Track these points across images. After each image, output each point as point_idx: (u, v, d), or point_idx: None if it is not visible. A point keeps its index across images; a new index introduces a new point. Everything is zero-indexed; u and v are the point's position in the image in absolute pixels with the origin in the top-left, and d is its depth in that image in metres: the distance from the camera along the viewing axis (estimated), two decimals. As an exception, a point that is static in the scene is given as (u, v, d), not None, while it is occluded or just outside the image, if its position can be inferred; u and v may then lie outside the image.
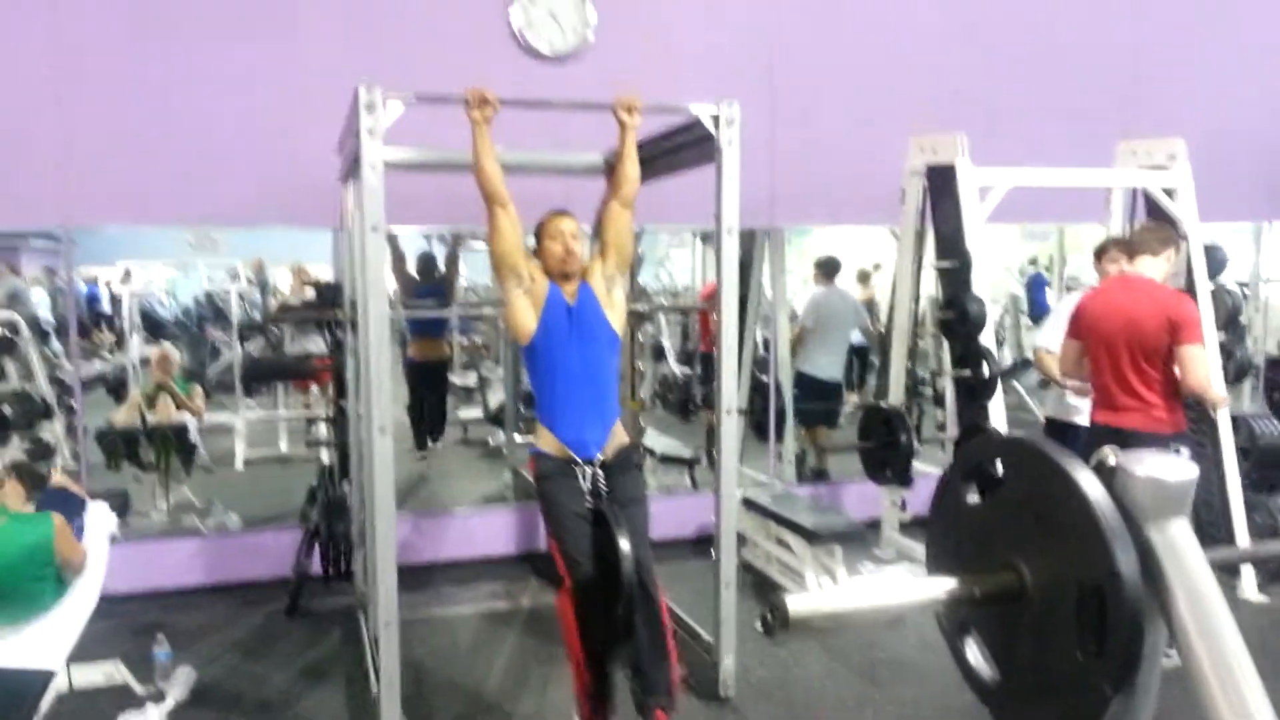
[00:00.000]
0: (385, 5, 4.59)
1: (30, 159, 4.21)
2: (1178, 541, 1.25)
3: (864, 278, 7.29)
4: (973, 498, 1.46)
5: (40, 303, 6.54)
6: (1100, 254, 4.09)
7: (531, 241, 3.24)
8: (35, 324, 5.87)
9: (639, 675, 3.02)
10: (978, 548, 1.44)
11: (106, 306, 7.16)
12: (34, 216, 4.37)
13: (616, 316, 3.19)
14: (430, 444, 6.57)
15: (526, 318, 3.10)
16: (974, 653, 1.45)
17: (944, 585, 1.40)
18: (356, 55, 4.49)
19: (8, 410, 4.74)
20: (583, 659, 2.97)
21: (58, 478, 3.66)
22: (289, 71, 4.47)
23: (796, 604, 1.28)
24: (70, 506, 3.44)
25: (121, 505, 3.83)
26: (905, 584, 1.51)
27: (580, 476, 3.05)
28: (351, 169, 3.37)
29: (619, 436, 3.17)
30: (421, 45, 4.60)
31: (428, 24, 4.64)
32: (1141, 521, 1.26)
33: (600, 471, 3.07)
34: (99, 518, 3.52)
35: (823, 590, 1.18)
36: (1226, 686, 1.16)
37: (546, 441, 3.11)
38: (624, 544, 2.75)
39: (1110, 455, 1.35)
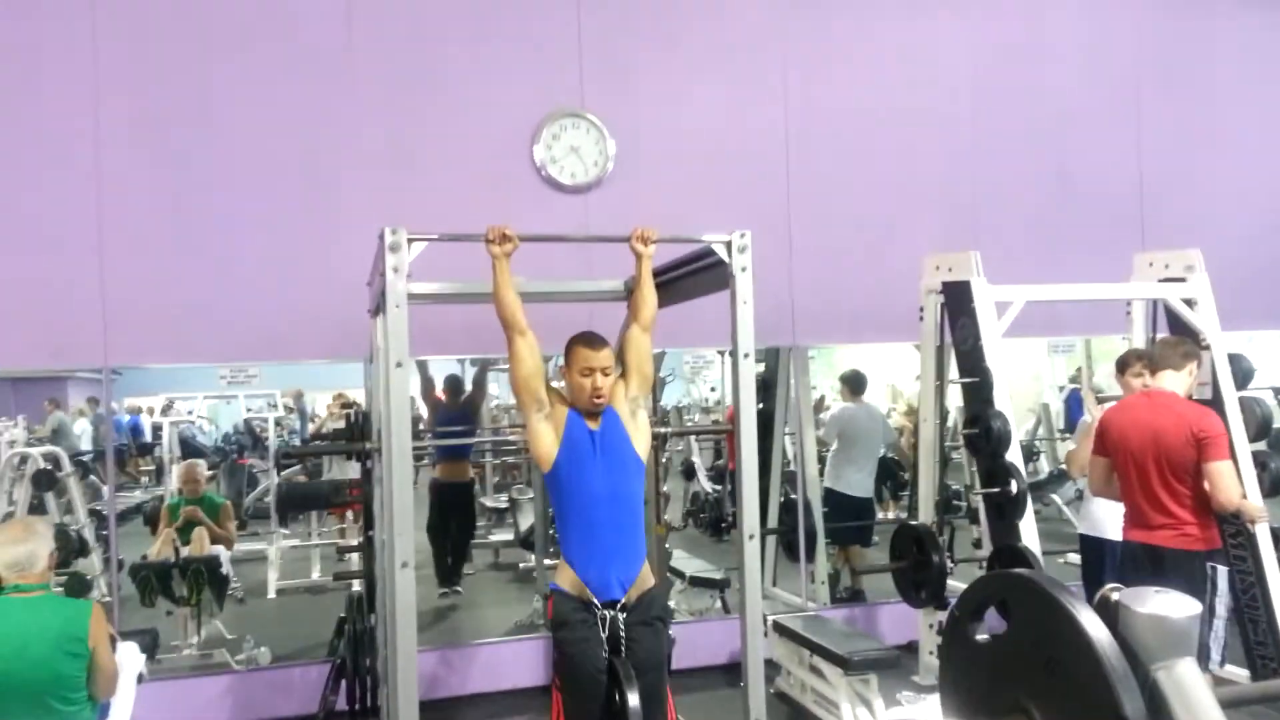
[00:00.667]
0: (415, 145, 4.81)
1: (73, 302, 4.40)
2: (1185, 683, 1.23)
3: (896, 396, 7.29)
4: (981, 636, 1.45)
5: (83, 434, 6.70)
6: (1123, 367, 4.08)
7: (558, 361, 3.27)
8: (77, 457, 6.01)
9: None
10: (989, 688, 1.41)
11: (149, 436, 7.32)
12: (76, 357, 4.52)
13: (642, 441, 3.16)
14: (453, 580, 6.30)
15: (548, 442, 3.06)
16: (992, 798, 1.42)
17: (955, 728, 1.38)
18: (388, 192, 4.69)
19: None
20: None
21: (97, 605, 3.68)
22: (323, 210, 4.67)
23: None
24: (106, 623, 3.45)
25: (151, 644, 3.83)
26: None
27: (600, 624, 2.94)
28: (379, 305, 3.48)
29: (645, 578, 3.07)
30: (450, 179, 4.80)
31: (456, 160, 4.85)
32: (1148, 662, 1.24)
33: (621, 618, 2.96)
34: (127, 658, 3.52)
35: None
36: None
37: (567, 579, 3.02)
38: (633, 701, 2.75)
39: (1113, 592, 1.34)
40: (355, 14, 4.74)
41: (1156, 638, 1.26)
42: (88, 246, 4.41)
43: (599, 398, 3.10)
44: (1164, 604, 1.30)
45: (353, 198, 4.67)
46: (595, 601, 2.96)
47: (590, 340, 3.16)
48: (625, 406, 3.18)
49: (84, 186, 4.43)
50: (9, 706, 3.09)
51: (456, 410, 6.45)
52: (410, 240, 3.01)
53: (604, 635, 2.94)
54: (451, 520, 6.41)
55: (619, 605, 2.98)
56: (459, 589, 6.30)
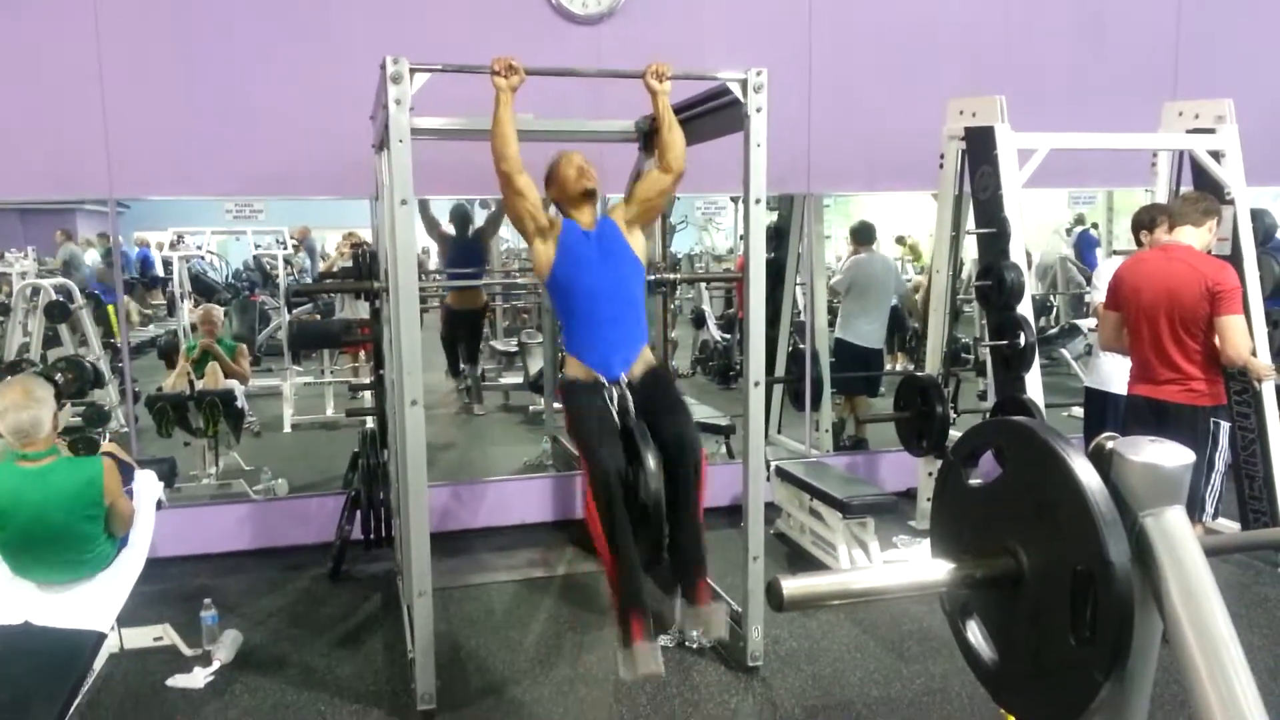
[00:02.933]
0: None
1: (77, 132, 4.31)
2: (1172, 530, 1.23)
3: (902, 241, 7.20)
4: (974, 481, 1.46)
5: (94, 266, 6.70)
6: (1151, 225, 3.99)
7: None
8: (89, 290, 6.03)
9: (675, 554, 3.01)
10: (979, 531, 1.43)
11: (160, 270, 7.32)
12: (81, 187, 4.47)
13: (638, 249, 3.20)
14: (464, 370, 6.88)
15: (546, 256, 3.12)
16: (975, 635, 1.46)
17: (942, 569, 1.40)
18: (393, 25, 4.52)
19: (59, 378, 4.87)
20: (610, 553, 2.92)
21: (107, 445, 3.78)
22: (328, 41, 4.50)
23: (792, 586, 1.29)
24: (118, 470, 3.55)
25: (168, 472, 3.95)
26: (904, 568, 1.51)
27: (608, 397, 3.03)
28: (382, 139, 3.40)
29: (646, 358, 3.15)
30: (458, 7, 4.60)
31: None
32: (1137, 509, 1.25)
33: (627, 392, 3.05)
34: (146, 485, 3.63)
35: (821, 573, 1.19)
36: (1216, 677, 1.15)
37: (574, 369, 3.12)
38: (650, 461, 2.84)
39: (1108, 441, 1.34)
40: None
41: (1147, 486, 1.27)
42: (88, 75, 4.29)
43: (588, 180, 3.13)
44: (1157, 453, 1.30)
45: (358, 27, 4.50)
46: (603, 379, 3.06)
47: (562, 151, 3.23)
48: (622, 222, 3.20)
49: (87, 17, 4.27)
50: (32, 562, 3.21)
51: (466, 243, 6.45)
52: (413, 71, 2.92)
53: (614, 405, 3.02)
54: (462, 339, 6.86)
55: (623, 381, 3.08)
56: (467, 379, 6.86)
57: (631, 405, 3.04)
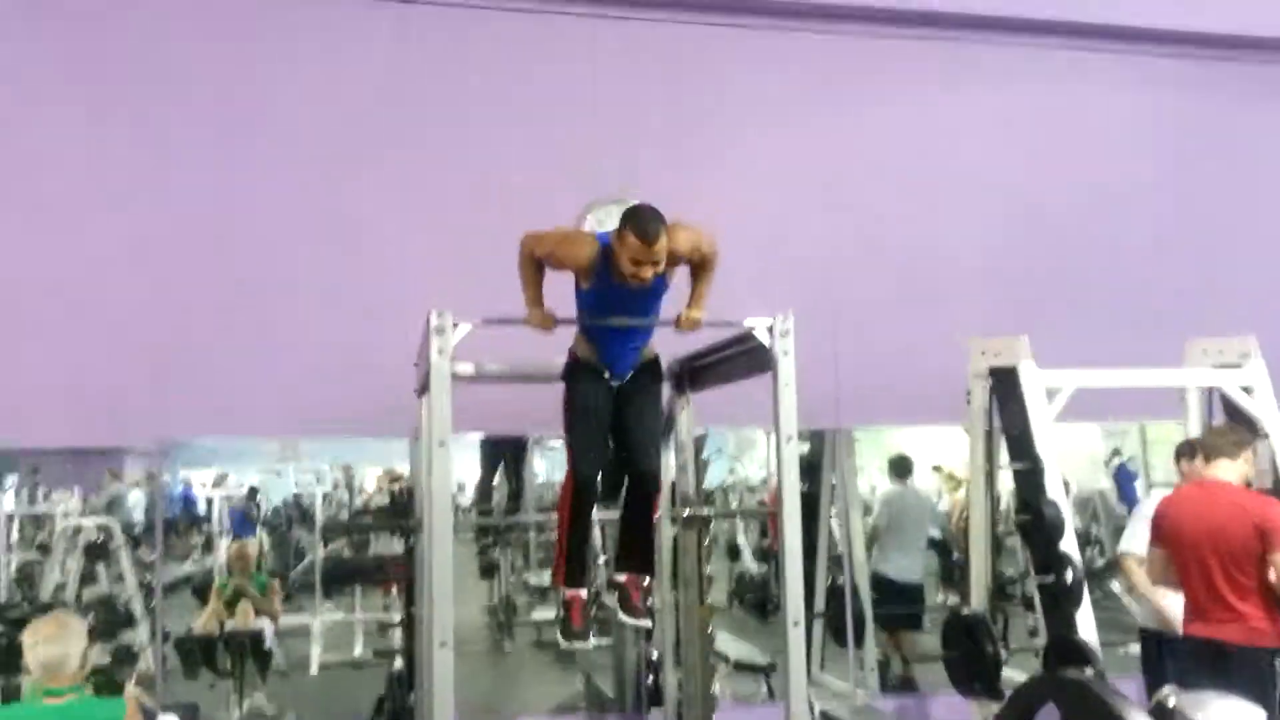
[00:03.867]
0: (465, 221, 4.89)
1: (128, 378, 4.51)
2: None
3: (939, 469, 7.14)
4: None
5: (137, 505, 6.81)
6: (1190, 454, 4.00)
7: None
8: (130, 529, 6.10)
9: (622, 548, 3.49)
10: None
11: (201, 508, 7.41)
12: (131, 432, 4.64)
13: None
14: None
15: (584, 281, 3.25)
16: None
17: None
18: (436, 270, 4.77)
19: (91, 616, 4.86)
20: (566, 532, 3.34)
21: (130, 690, 3.71)
22: (373, 288, 4.76)
23: None
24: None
25: (191, 717, 3.83)
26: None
27: (605, 382, 3.33)
28: (424, 385, 3.53)
29: (647, 354, 3.45)
30: (499, 262, 4.86)
31: (504, 242, 4.91)
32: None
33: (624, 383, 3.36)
34: (168, 730, 3.52)
35: None
36: None
37: (584, 349, 3.38)
38: (638, 434, 3.29)
39: (1170, 696, 1.29)
40: (409, 101, 4.89)
41: (1211, 751, 1.20)
42: (140, 320, 4.54)
43: (642, 284, 3.11)
44: (1225, 711, 1.25)
45: (405, 277, 4.75)
46: (606, 370, 3.34)
47: (645, 230, 2.97)
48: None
49: (134, 265, 4.57)
50: None
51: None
52: (455, 324, 3.08)
53: (609, 391, 3.33)
54: None
55: (624, 377, 3.38)
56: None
57: (623, 396, 3.36)
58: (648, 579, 3.53)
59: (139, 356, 4.53)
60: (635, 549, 3.48)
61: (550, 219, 4.97)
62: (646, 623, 3.58)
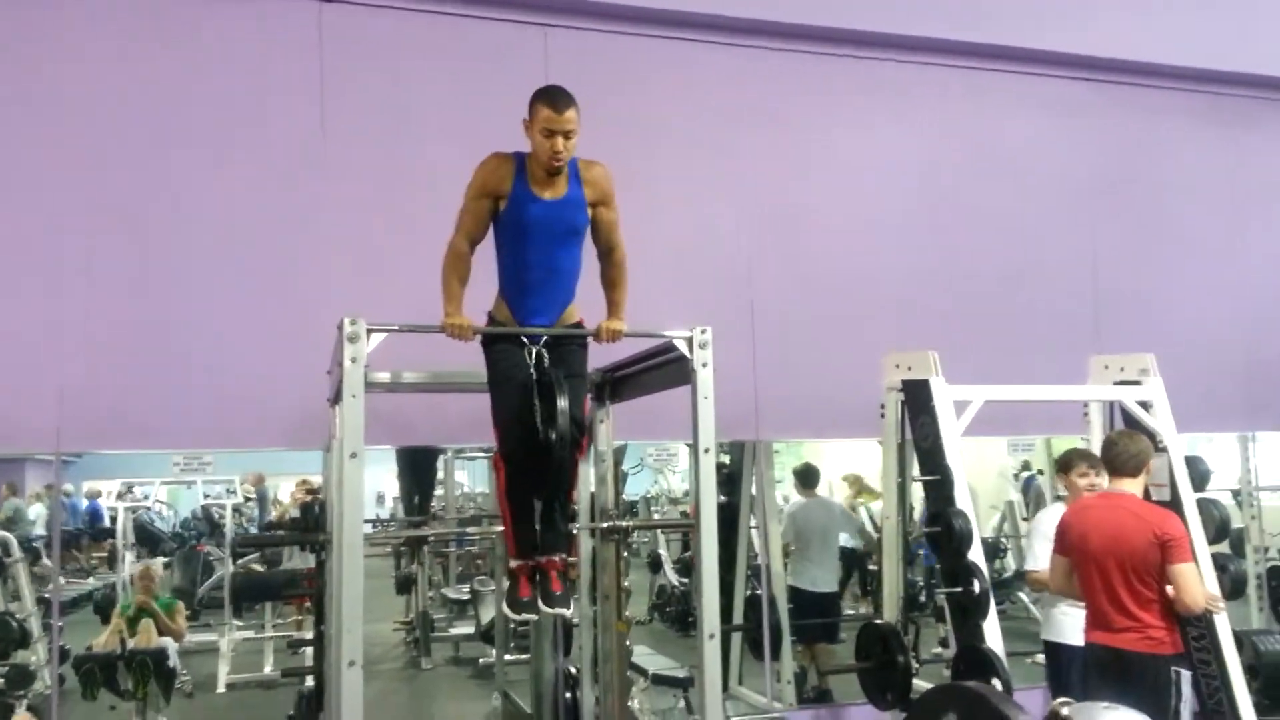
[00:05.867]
0: (382, 231, 4.80)
1: (25, 387, 4.32)
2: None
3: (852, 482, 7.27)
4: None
5: (38, 519, 6.54)
6: (1066, 467, 4.15)
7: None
8: (28, 543, 5.86)
9: (543, 531, 3.38)
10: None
11: (108, 522, 7.15)
12: (28, 442, 4.44)
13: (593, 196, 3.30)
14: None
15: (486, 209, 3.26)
16: None
17: None
18: (353, 278, 4.67)
19: (-18, 639, 4.65)
20: (510, 511, 3.34)
21: (21, 715, 3.55)
22: (285, 295, 4.62)
23: None
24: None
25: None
26: None
27: (526, 352, 3.24)
28: (337, 394, 3.46)
29: (568, 317, 3.36)
30: (416, 266, 4.78)
31: (425, 249, 4.84)
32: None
33: (545, 352, 3.25)
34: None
35: None
36: None
37: (502, 314, 3.33)
38: (562, 403, 3.07)
39: (1063, 706, 1.32)
40: (328, 103, 4.79)
41: (1100, 757, 1.23)
42: (43, 330, 4.36)
43: (558, 160, 3.13)
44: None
45: (319, 283, 4.65)
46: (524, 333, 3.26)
47: (555, 99, 3.09)
48: (590, 196, 3.28)
49: (40, 271, 4.40)
50: None
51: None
52: (369, 331, 3.02)
53: (530, 360, 3.23)
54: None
55: (543, 341, 3.28)
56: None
57: (546, 359, 3.25)
58: (566, 559, 3.51)
59: (38, 365, 4.34)
60: (554, 524, 3.41)
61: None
62: (567, 611, 3.49)
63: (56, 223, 4.41)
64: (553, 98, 3.09)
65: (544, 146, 3.11)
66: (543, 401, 3.12)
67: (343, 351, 3.01)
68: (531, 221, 3.21)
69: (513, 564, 3.42)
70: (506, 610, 3.44)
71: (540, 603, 3.35)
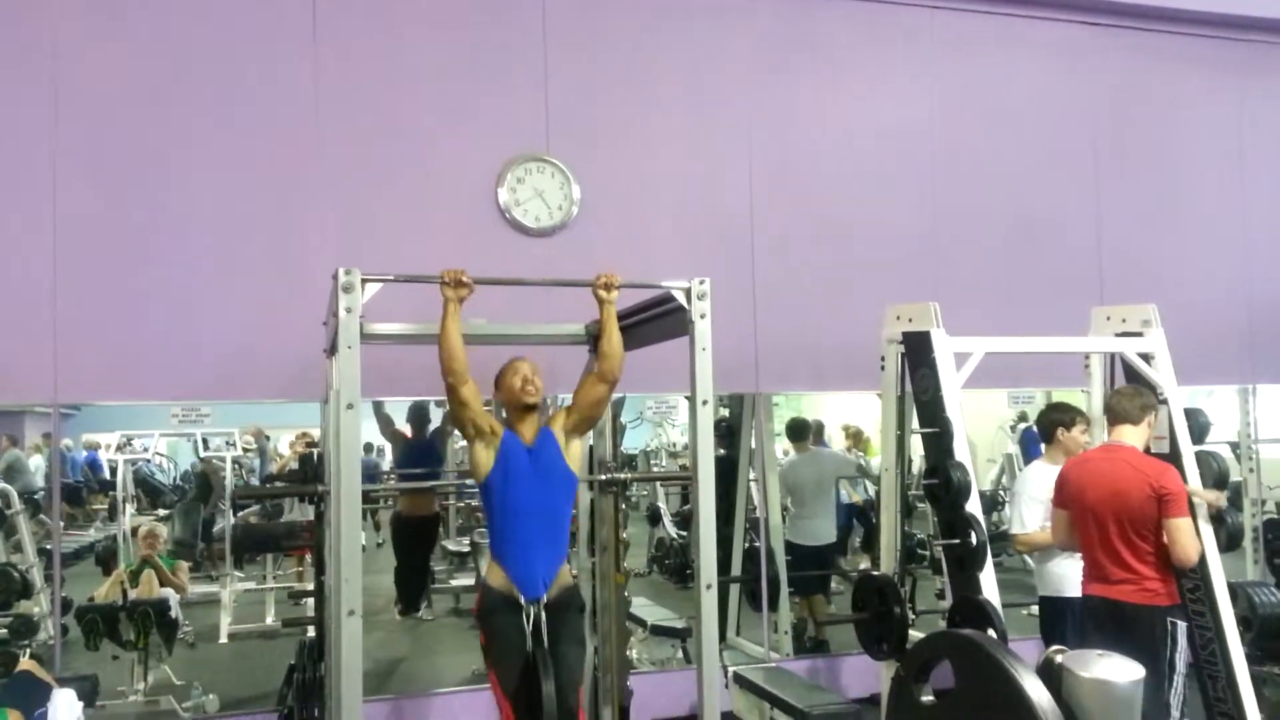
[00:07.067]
0: (377, 184, 4.78)
1: (22, 337, 4.31)
2: (1123, 752, 1.20)
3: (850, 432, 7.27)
4: (927, 698, 1.42)
5: (37, 471, 6.54)
6: (1069, 424, 4.15)
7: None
8: (28, 495, 5.86)
9: None
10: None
11: (108, 474, 7.15)
12: (26, 393, 4.44)
13: (574, 460, 3.42)
14: (414, 611, 6.47)
15: (484, 461, 3.31)
16: None
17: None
18: (348, 232, 4.66)
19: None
20: None
21: (25, 662, 3.57)
22: (282, 249, 4.62)
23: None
24: (35, 694, 3.34)
25: (90, 691, 3.71)
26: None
27: (524, 617, 3.24)
28: (333, 345, 3.44)
29: (564, 577, 3.40)
30: (412, 220, 4.78)
31: (420, 202, 4.83)
32: (1087, 728, 1.21)
33: (544, 613, 3.26)
34: (64, 708, 3.41)
35: None
36: None
37: (496, 577, 3.31)
38: (548, 688, 3.06)
39: (1058, 654, 1.31)
40: (321, 57, 4.74)
41: (1099, 703, 1.24)
42: (41, 282, 4.33)
43: (530, 392, 3.35)
44: (1108, 669, 1.28)
45: (314, 237, 4.63)
46: (521, 598, 3.26)
47: (514, 359, 3.48)
48: (561, 433, 3.40)
49: (39, 223, 4.36)
50: None
51: (422, 444, 6.40)
52: (364, 281, 2.99)
53: (528, 627, 3.24)
54: (412, 563, 6.47)
55: (541, 602, 3.28)
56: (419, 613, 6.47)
57: (544, 630, 3.25)
58: None
59: (36, 318, 4.32)
60: None
61: (467, 177, 4.91)
62: None
63: (51, 173, 4.38)
64: (507, 366, 3.47)
65: (513, 385, 3.40)
66: (544, 673, 3.16)
67: (338, 302, 2.99)
68: (521, 477, 3.31)
69: None
70: None
71: None
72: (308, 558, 6.41)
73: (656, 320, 3.65)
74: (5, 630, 4.85)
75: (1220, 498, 4.20)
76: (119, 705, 4.78)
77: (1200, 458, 4.43)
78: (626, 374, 3.48)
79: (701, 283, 3.31)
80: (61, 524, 4.67)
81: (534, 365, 3.44)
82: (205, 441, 7.22)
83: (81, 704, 3.55)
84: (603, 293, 3.35)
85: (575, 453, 3.45)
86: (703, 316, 3.31)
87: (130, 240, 4.49)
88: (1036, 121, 5.91)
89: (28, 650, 4.32)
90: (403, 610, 6.38)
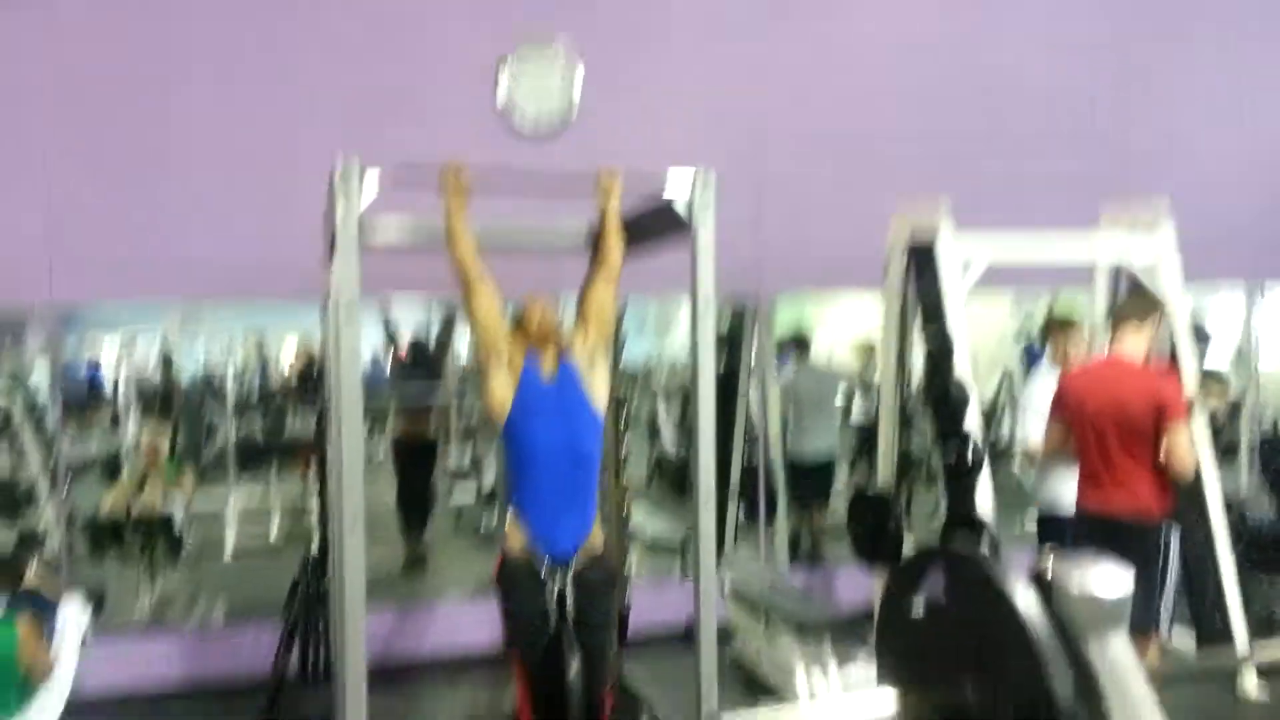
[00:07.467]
0: (375, 81, 4.66)
1: (17, 237, 4.26)
2: (1116, 660, 1.20)
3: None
4: (918, 610, 1.42)
5: (40, 383, 6.54)
6: (1064, 331, 4.13)
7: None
8: (31, 405, 5.88)
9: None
10: (925, 662, 1.39)
11: (108, 383, 7.18)
12: (20, 293, 4.39)
13: (600, 393, 3.14)
14: (419, 536, 6.39)
15: (503, 393, 3.02)
16: (923, 772, 1.40)
17: (888, 703, 1.36)
18: (346, 130, 4.55)
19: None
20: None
21: (32, 574, 3.61)
22: (279, 146, 4.52)
23: (732, 723, 1.24)
24: (42, 606, 3.39)
25: (97, 603, 3.77)
26: (846, 705, 1.45)
27: (546, 590, 2.93)
28: (331, 243, 3.37)
29: (595, 542, 3.06)
30: (409, 118, 4.66)
31: (416, 98, 4.71)
32: (1079, 635, 1.22)
33: (570, 585, 2.95)
34: (71, 618, 3.46)
35: (761, 710, 1.14)
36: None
37: (516, 543, 3.00)
38: (574, 681, 2.78)
39: (1047, 562, 1.31)
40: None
41: (1088, 612, 1.24)
42: (31, 177, 4.26)
43: (545, 321, 3.09)
44: (1097, 578, 1.27)
45: (312, 136, 4.52)
46: (543, 564, 2.95)
47: (527, 298, 3.19)
48: (584, 359, 3.14)
49: (29, 112, 4.27)
50: None
51: (421, 362, 6.41)
52: (363, 171, 2.89)
53: (551, 599, 2.92)
54: (413, 487, 6.43)
55: (568, 567, 2.97)
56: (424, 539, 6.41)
57: (570, 605, 2.94)
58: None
59: (31, 216, 4.26)
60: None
61: (467, 67, 4.78)
62: None
63: (47, 63, 4.25)
64: (518, 312, 3.17)
65: (531, 317, 3.12)
66: (569, 659, 2.87)
67: (336, 196, 2.91)
68: (540, 400, 3.04)
69: None
70: None
71: None
72: (311, 471, 6.47)
73: (658, 218, 3.56)
74: (14, 540, 4.92)
75: (1220, 404, 4.17)
76: (126, 617, 4.87)
77: (1204, 375, 4.42)
78: (626, 275, 3.37)
79: (706, 175, 3.21)
80: (65, 434, 4.66)
81: (546, 303, 3.19)
82: (205, 351, 7.24)
83: (89, 617, 3.60)
84: (605, 186, 3.26)
85: (599, 383, 3.16)
86: (706, 211, 3.19)
87: (124, 132, 4.39)
88: (1041, 15, 5.73)
89: (35, 561, 4.36)
90: (407, 540, 6.31)
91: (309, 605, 4.13)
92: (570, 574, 2.96)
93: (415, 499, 6.48)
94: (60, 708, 3.22)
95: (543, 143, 4.84)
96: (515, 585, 2.96)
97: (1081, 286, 4.87)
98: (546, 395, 3.04)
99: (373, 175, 2.91)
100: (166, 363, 7.26)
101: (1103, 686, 1.20)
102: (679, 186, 3.22)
